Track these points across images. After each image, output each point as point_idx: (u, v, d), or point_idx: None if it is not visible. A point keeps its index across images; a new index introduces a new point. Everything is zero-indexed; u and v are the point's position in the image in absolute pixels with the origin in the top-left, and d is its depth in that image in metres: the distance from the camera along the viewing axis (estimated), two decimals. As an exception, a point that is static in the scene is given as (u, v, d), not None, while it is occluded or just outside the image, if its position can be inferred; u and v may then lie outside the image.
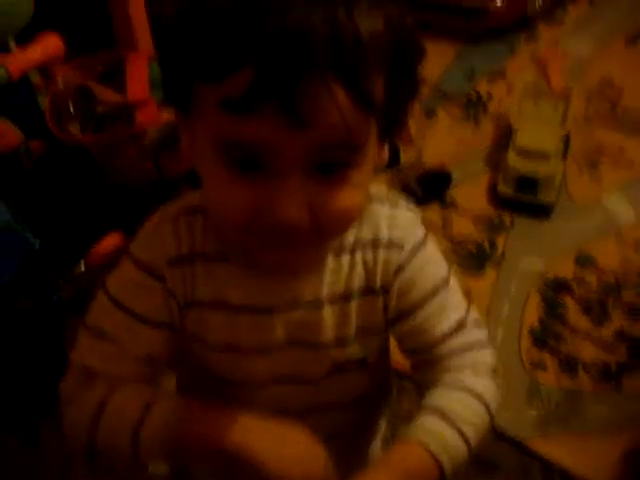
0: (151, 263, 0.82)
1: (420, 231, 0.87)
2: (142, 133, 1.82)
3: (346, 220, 0.74)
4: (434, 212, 2.16)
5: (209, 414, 0.78)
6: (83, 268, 1.90)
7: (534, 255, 2.07)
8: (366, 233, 0.84)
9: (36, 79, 1.89)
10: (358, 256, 0.84)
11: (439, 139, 2.41)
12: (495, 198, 2.20)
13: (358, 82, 0.64)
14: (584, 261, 2.05)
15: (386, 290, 0.86)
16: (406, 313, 0.87)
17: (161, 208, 0.86)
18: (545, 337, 1.88)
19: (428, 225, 0.89)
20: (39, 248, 1.81)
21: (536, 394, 1.77)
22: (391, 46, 0.67)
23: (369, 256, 0.84)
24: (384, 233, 0.84)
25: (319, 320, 0.85)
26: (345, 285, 0.84)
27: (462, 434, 0.81)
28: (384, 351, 0.94)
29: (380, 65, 0.66)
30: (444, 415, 0.82)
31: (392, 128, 0.74)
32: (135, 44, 2.07)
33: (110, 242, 1.89)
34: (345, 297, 0.85)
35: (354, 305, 0.86)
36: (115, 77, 1.95)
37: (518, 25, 2.75)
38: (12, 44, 1.77)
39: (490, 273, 2.03)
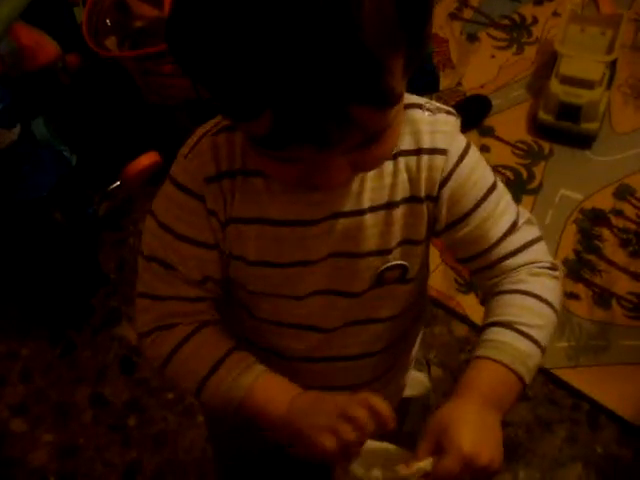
0: (191, 184, 0.82)
1: (462, 137, 0.86)
2: (179, 50, 1.80)
3: (386, 158, 0.78)
4: (472, 139, 2.11)
5: (272, 390, 0.82)
6: (118, 184, 1.91)
7: (572, 185, 2.04)
8: (407, 142, 0.82)
9: (73, -9, 1.87)
10: (401, 163, 0.83)
11: (480, 64, 2.36)
12: (535, 126, 2.16)
13: (380, 95, 0.64)
14: (623, 193, 2.02)
15: (432, 198, 0.85)
16: (458, 221, 0.86)
17: (200, 127, 0.85)
18: (580, 268, 1.86)
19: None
20: (76, 164, 1.82)
21: (568, 325, 1.76)
22: (404, 28, 0.63)
23: (412, 163, 0.83)
24: (426, 140, 0.83)
25: (361, 229, 0.84)
26: (389, 193, 0.83)
27: (531, 338, 0.82)
28: (423, 266, 0.93)
29: (396, 53, 0.64)
30: (510, 325, 0.83)
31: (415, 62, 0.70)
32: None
33: (146, 160, 1.89)
34: (389, 205, 0.84)
35: (398, 213, 0.84)
36: (152, -8, 1.92)
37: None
38: (49, -45, 1.75)
39: (527, 201, 2.00)
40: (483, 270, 0.89)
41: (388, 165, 0.82)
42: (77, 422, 1.71)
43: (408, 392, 1.10)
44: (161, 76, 1.84)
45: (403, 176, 0.83)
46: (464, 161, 0.84)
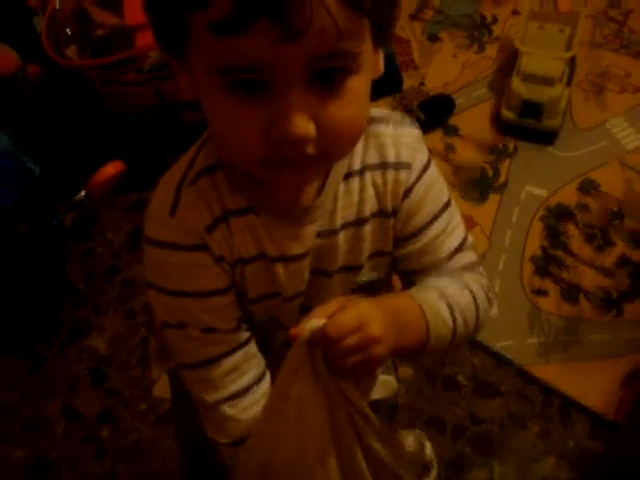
0: (189, 239, 0.79)
1: (425, 150, 0.87)
2: (141, 57, 1.79)
3: (350, 133, 0.73)
4: (437, 138, 2.14)
5: None
6: (83, 194, 1.89)
7: (537, 182, 2.05)
8: (373, 156, 0.83)
9: (31, 1, 1.85)
10: (367, 178, 0.83)
11: (442, 64, 2.37)
12: (499, 124, 2.17)
13: None
14: (587, 188, 2.04)
15: (396, 212, 0.86)
16: (413, 235, 0.87)
17: (161, 182, 0.82)
18: (547, 264, 1.88)
19: (431, 151, 0.88)
20: (40, 175, 1.80)
21: (537, 321, 1.77)
22: None
23: (378, 178, 0.83)
24: (391, 154, 0.83)
25: (335, 247, 0.85)
26: (357, 209, 0.84)
27: (452, 313, 0.84)
28: (389, 270, 0.94)
29: None
30: (441, 292, 0.85)
31: (383, 33, 0.71)
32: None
33: (111, 169, 1.87)
34: (358, 222, 0.84)
35: (368, 229, 0.85)
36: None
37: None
38: (6, -36, 1.73)
39: (493, 200, 2.02)
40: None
41: (355, 181, 0.83)
42: (49, 436, 1.69)
43: (376, 395, 1.10)
44: (123, 84, 1.83)
45: (370, 191, 0.84)
46: (425, 176, 0.86)
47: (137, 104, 1.88)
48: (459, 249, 0.89)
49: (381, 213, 0.85)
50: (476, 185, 2.05)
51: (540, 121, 2.10)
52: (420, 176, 0.85)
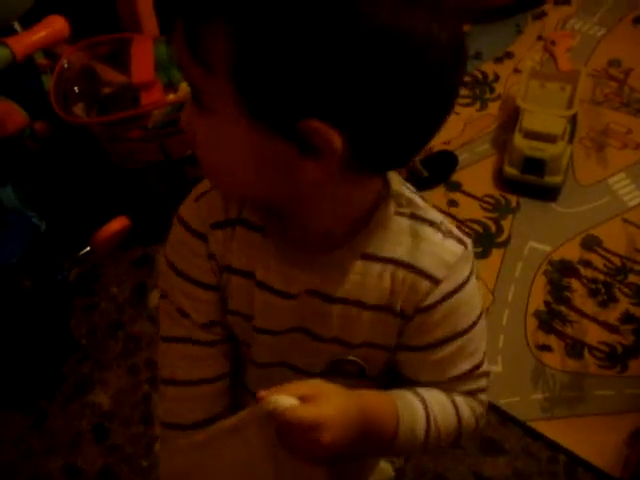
0: (196, 226, 0.84)
1: (463, 272, 0.82)
2: (147, 115, 1.82)
3: (201, 160, 0.76)
4: (440, 194, 2.16)
5: None
6: (88, 249, 1.91)
7: (540, 237, 2.06)
8: (404, 253, 0.80)
9: (40, 60, 1.88)
10: (389, 270, 0.80)
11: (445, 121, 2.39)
12: (501, 180, 2.19)
13: (189, 24, 0.66)
14: (590, 244, 2.04)
15: (405, 317, 0.82)
16: (421, 348, 0.84)
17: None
18: (551, 320, 1.88)
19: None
20: (45, 230, 1.81)
21: (542, 377, 1.76)
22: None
23: (400, 276, 0.80)
24: (424, 261, 0.80)
25: (327, 315, 0.83)
26: (365, 293, 0.81)
27: (429, 427, 0.83)
28: (388, 370, 0.91)
29: (219, 13, 0.64)
30: (425, 402, 0.84)
31: (271, 116, 0.66)
32: (140, 26, 2.06)
33: (116, 225, 1.89)
34: (361, 304, 0.82)
35: (367, 315, 0.82)
36: (120, 59, 1.94)
37: (526, 5, 2.72)
38: (17, 26, 1.77)
39: (496, 255, 2.02)
40: None
41: (375, 266, 0.80)
42: (49, 493, 1.67)
43: (371, 478, 1.08)
44: (128, 141, 1.85)
45: (386, 284, 0.81)
46: (453, 298, 0.81)
47: (142, 160, 1.90)
48: (467, 375, 0.86)
49: (386, 308, 0.82)
50: (479, 240, 2.05)
51: (542, 177, 2.12)
52: (446, 298, 0.81)
